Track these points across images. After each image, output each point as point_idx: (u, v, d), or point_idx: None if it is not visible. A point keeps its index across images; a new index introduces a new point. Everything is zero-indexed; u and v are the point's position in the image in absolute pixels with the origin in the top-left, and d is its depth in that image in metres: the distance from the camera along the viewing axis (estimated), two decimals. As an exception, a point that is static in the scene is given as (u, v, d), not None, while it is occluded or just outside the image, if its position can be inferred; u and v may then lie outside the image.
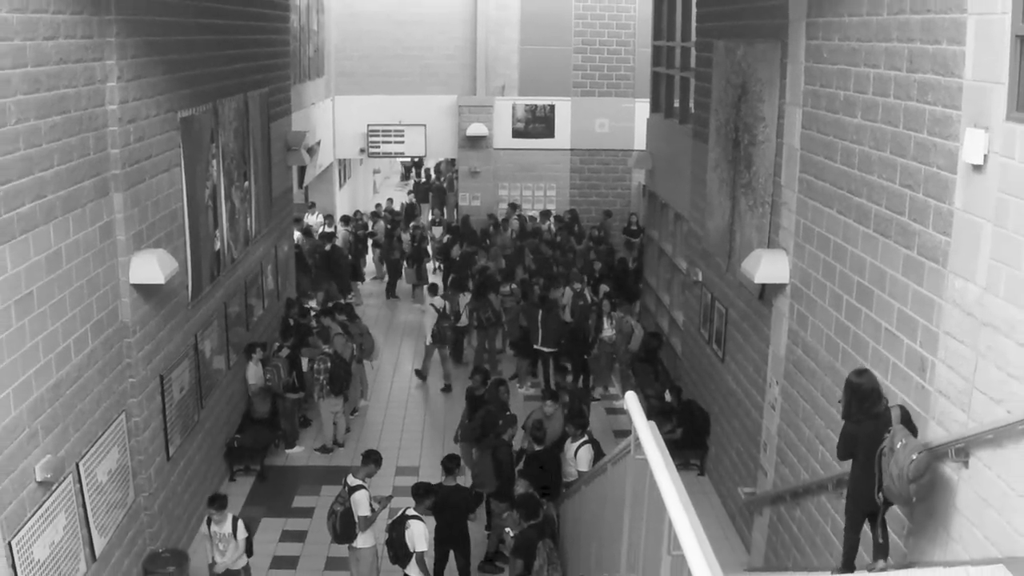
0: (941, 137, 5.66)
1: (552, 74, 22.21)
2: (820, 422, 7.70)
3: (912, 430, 5.62)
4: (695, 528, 3.81)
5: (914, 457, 5.24)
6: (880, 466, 5.51)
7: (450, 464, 9.26)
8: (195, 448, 10.26)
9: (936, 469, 5.45)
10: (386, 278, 20.39)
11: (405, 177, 35.96)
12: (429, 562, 8.66)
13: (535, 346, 14.19)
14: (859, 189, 6.92)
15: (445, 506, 8.94)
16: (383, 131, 22.42)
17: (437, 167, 31.75)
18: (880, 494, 5.59)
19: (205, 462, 10.66)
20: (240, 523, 8.59)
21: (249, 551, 8.75)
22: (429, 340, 14.80)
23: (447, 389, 14.69)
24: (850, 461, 6.01)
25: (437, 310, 14.84)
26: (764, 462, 9.33)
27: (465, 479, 10.10)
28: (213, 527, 8.50)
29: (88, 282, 7.53)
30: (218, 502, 8.54)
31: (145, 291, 8.51)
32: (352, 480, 8.80)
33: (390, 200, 25.14)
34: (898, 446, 5.36)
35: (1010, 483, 4.83)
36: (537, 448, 10.08)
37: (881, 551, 5.93)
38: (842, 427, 6.00)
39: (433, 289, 16.17)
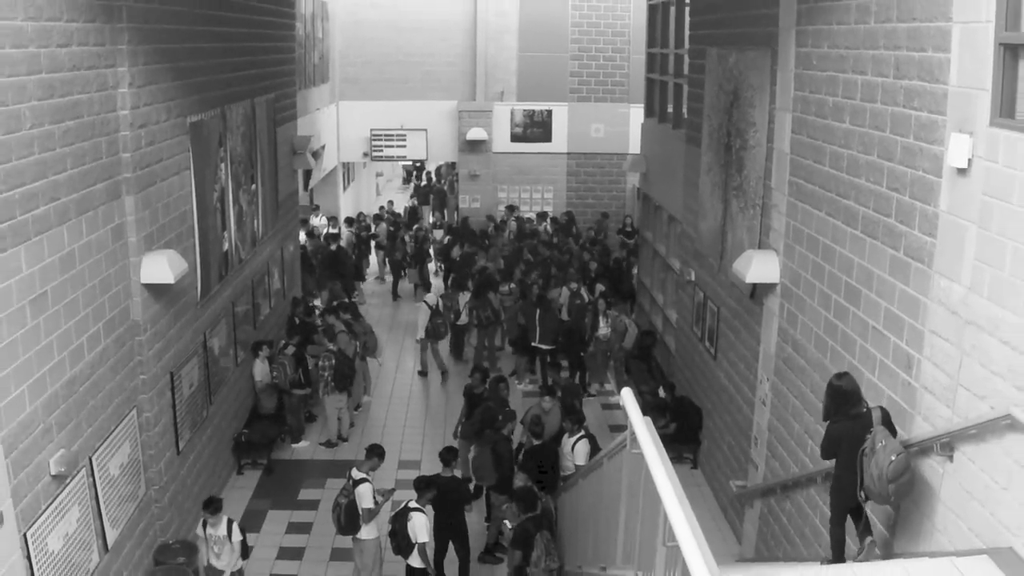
0: (927, 142, 5.66)
1: (550, 80, 22.23)
2: (809, 418, 7.71)
3: (892, 431, 5.63)
4: (690, 520, 3.81)
5: (893, 458, 5.27)
6: (861, 465, 5.53)
7: (447, 456, 9.27)
8: (204, 443, 10.26)
9: (914, 470, 5.46)
10: (388, 278, 20.37)
11: (407, 180, 35.92)
12: (430, 553, 8.66)
13: (533, 344, 14.20)
14: (847, 192, 6.93)
15: (442, 496, 8.94)
16: (386, 135, 22.42)
17: (437, 170, 31.74)
18: (862, 492, 5.61)
19: (214, 456, 10.66)
20: (235, 525, 8.47)
21: (244, 554, 8.64)
22: (422, 335, 14.81)
23: (445, 375, 14.82)
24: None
25: (430, 307, 14.86)
26: (755, 456, 9.34)
27: (460, 473, 10.07)
28: (208, 530, 8.38)
29: (100, 282, 7.53)
30: (212, 505, 8.39)
31: (156, 291, 8.51)
32: (356, 473, 8.80)
33: (390, 202, 25.13)
34: (878, 447, 5.39)
35: (993, 476, 4.84)
36: (535, 443, 10.08)
37: (865, 532, 5.98)
38: (826, 428, 6.01)
39: (424, 280, 16.21)
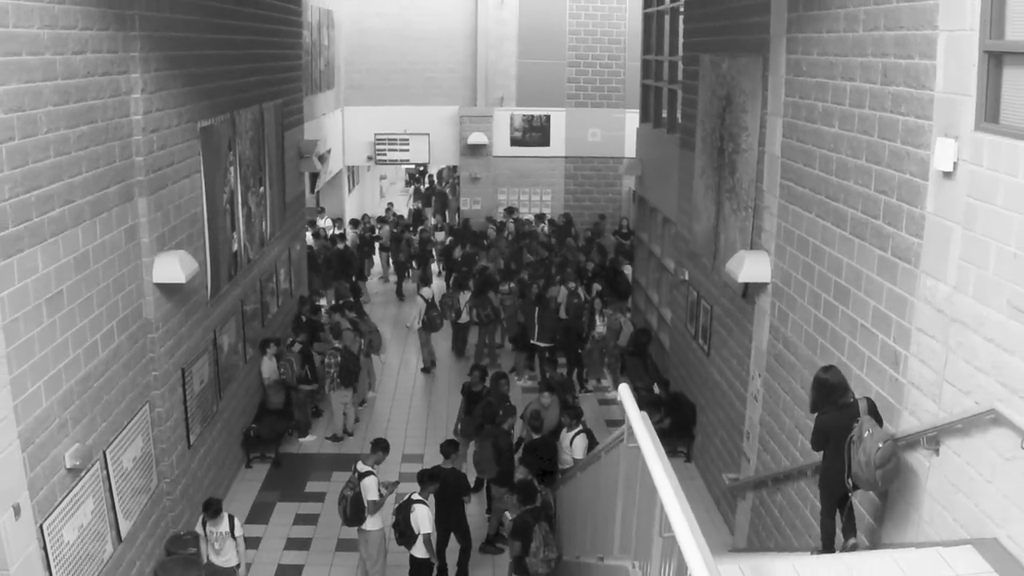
0: (913, 146, 5.67)
1: (548, 86, 22.22)
2: (800, 412, 7.71)
3: (878, 420, 5.64)
4: (686, 512, 3.82)
5: (880, 446, 5.29)
6: (849, 454, 5.54)
7: (448, 449, 9.27)
8: (214, 437, 10.26)
9: (900, 457, 5.47)
10: (392, 278, 20.36)
11: (409, 183, 35.91)
12: (433, 543, 8.66)
13: (532, 341, 14.21)
14: (836, 194, 6.93)
15: (443, 487, 8.94)
16: (389, 140, 22.42)
17: (439, 173, 31.74)
18: (849, 480, 5.62)
19: (223, 450, 10.66)
20: (237, 521, 8.39)
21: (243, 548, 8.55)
22: (419, 325, 14.84)
23: (434, 364, 14.95)
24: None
25: (425, 300, 14.90)
26: (747, 450, 9.34)
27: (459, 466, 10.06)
28: (209, 527, 8.27)
29: (114, 281, 7.53)
30: (212, 507, 8.25)
31: (167, 290, 8.51)
32: (361, 467, 8.80)
33: (391, 204, 25.12)
34: (865, 435, 5.40)
35: (978, 469, 4.84)
36: (535, 437, 10.08)
37: (850, 529, 5.97)
38: (815, 420, 6.01)
39: (426, 280, 16.31)
